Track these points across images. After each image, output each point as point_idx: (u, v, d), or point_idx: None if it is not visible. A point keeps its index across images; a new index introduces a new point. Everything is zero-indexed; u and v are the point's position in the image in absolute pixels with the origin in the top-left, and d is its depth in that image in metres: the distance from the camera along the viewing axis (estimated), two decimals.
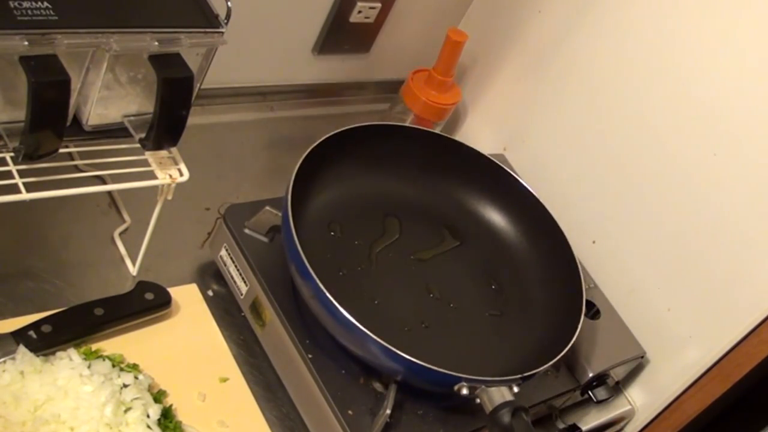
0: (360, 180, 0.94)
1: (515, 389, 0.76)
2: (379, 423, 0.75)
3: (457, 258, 0.95)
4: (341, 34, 1.11)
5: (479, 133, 1.21)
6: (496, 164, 0.97)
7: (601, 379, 0.97)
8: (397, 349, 0.73)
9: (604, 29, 1.04)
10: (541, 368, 0.79)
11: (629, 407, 1.03)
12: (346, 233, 0.90)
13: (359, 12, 1.09)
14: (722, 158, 0.93)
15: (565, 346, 0.81)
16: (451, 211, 0.98)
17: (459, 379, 0.75)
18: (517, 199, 0.97)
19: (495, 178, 0.98)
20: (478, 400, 0.76)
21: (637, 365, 1.01)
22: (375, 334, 0.73)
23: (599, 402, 0.98)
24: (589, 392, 0.97)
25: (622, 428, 1.05)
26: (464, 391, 0.75)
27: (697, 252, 0.96)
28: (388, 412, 0.75)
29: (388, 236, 0.92)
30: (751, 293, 0.91)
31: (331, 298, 0.74)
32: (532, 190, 0.96)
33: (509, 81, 1.17)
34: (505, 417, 0.73)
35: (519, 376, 0.77)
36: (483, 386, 0.75)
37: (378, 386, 0.80)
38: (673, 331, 0.98)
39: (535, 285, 0.94)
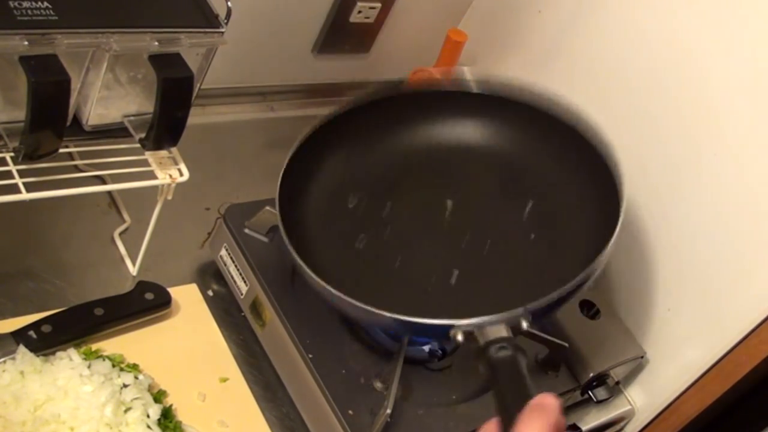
0: (367, 152, 0.89)
1: (524, 324, 0.68)
2: (379, 423, 0.75)
3: (486, 207, 0.89)
4: (341, 34, 1.11)
5: None
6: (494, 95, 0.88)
7: (601, 379, 0.97)
8: (409, 307, 0.70)
9: (604, 29, 1.04)
10: (549, 295, 0.70)
11: (629, 407, 1.03)
12: (360, 204, 0.86)
13: (359, 12, 1.09)
14: (722, 158, 0.93)
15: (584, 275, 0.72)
16: (469, 159, 0.91)
17: (450, 327, 0.69)
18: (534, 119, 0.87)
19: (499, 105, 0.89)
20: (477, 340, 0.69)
21: (637, 365, 1.01)
22: (387, 296, 0.71)
23: (599, 402, 0.98)
24: (589, 392, 0.97)
25: (622, 428, 1.05)
26: (459, 338, 0.69)
27: (697, 252, 0.96)
28: (389, 411, 0.75)
29: (407, 201, 0.88)
30: (751, 293, 0.91)
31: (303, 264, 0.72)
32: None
33: None
34: (497, 352, 0.65)
35: (521, 308, 0.68)
36: (477, 329, 0.68)
37: (378, 386, 0.80)
38: (673, 331, 0.98)
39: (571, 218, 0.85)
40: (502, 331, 0.67)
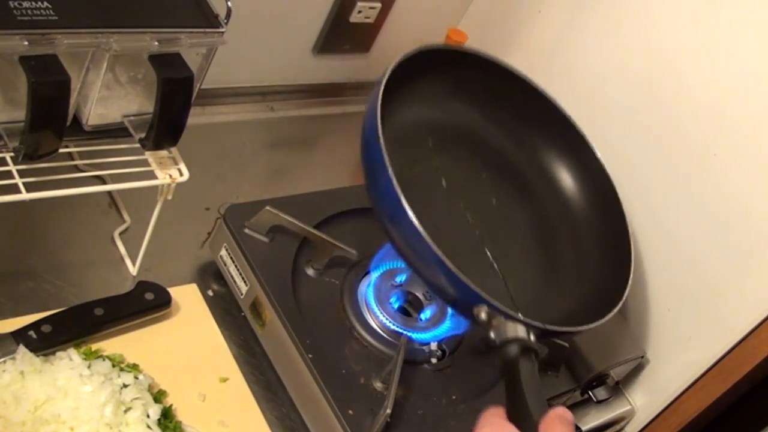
0: (445, 106, 0.93)
1: (532, 337, 0.70)
2: (379, 423, 0.75)
3: (517, 213, 0.95)
4: (341, 34, 1.11)
5: None
6: (577, 130, 0.96)
7: (601, 379, 0.97)
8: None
9: (604, 29, 1.04)
10: (572, 329, 0.78)
11: (629, 407, 1.03)
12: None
13: (359, 12, 1.09)
14: (722, 159, 0.93)
15: (598, 319, 0.80)
16: (527, 164, 0.98)
17: (483, 301, 0.71)
18: (589, 167, 0.97)
19: (572, 143, 0.97)
20: (492, 335, 0.70)
21: (637, 365, 1.01)
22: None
23: (599, 402, 0.98)
24: (589, 392, 0.97)
25: (622, 428, 1.05)
26: (483, 316, 0.69)
27: (697, 252, 0.96)
28: (389, 411, 0.75)
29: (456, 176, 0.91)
30: (751, 293, 0.91)
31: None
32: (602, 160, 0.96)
33: None
34: (513, 350, 0.67)
35: (544, 326, 0.73)
36: (502, 317, 0.70)
37: (378, 386, 0.80)
38: (673, 331, 0.98)
39: (588, 254, 0.93)
40: (520, 331, 0.69)
